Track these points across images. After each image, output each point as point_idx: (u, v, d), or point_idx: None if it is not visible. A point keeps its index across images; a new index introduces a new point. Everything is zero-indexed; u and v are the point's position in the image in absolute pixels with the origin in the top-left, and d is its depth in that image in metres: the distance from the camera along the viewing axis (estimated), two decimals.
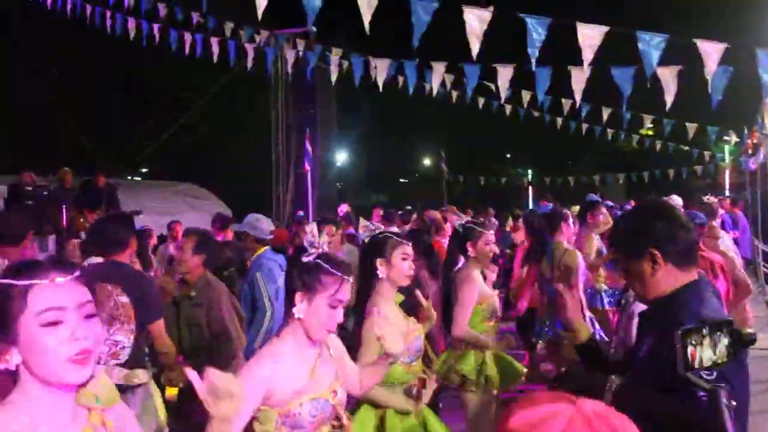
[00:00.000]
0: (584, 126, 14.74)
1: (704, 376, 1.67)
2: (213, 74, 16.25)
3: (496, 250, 4.49)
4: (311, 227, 2.37)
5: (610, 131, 15.72)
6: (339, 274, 2.25)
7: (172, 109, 21.86)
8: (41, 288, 1.42)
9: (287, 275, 2.35)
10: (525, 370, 4.37)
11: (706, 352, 1.65)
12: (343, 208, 12.91)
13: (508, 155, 40.32)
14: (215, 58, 10.32)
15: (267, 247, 5.32)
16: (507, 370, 4.23)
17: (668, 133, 13.31)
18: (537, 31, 4.57)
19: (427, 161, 37.43)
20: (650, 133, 21.56)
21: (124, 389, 3.41)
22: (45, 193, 11.13)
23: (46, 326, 1.40)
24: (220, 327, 4.31)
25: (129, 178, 21.57)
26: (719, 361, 1.67)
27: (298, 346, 2.30)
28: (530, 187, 27.83)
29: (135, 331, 3.38)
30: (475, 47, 4.68)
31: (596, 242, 6.63)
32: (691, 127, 12.82)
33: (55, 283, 1.43)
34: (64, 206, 11.11)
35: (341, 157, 33.46)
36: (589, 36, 4.67)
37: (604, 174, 23.94)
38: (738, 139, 15.25)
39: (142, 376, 3.54)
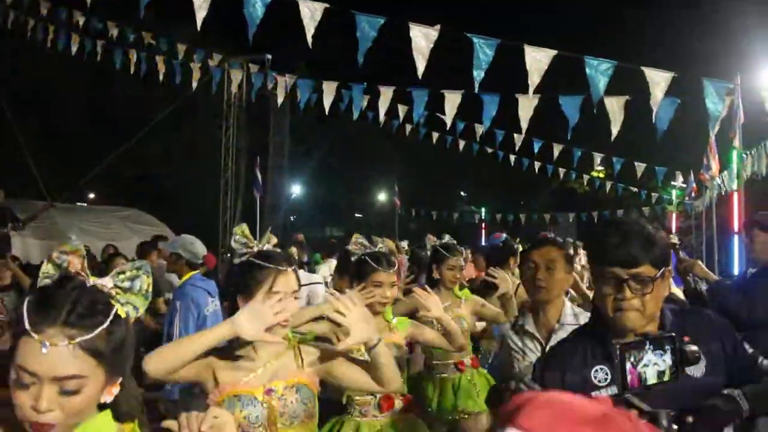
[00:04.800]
0: (536, 164, 14.86)
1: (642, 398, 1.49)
2: (168, 98, 15.89)
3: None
4: (242, 228, 2.27)
5: (561, 170, 15.91)
6: (272, 266, 2.16)
7: (121, 133, 21.29)
8: None
9: (225, 289, 2.25)
10: None
11: (649, 371, 1.47)
12: (297, 237, 12.70)
13: (462, 192, 40.57)
14: (161, 76, 10.07)
15: (196, 272, 4.79)
16: None
17: (617, 173, 13.48)
18: (484, 52, 4.46)
19: (382, 195, 37.29)
20: (601, 175, 21.97)
21: None
22: None
23: None
24: None
25: (76, 203, 20.78)
26: (663, 381, 1.49)
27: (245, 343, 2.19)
28: (483, 224, 27.95)
29: None
30: (420, 66, 4.54)
31: None
32: (640, 167, 13.02)
33: None
34: None
35: (295, 188, 33.14)
36: (537, 59, 4.58)
37: (554, 213, 24.24)
38: (684, 184, 15.54)
39: None
